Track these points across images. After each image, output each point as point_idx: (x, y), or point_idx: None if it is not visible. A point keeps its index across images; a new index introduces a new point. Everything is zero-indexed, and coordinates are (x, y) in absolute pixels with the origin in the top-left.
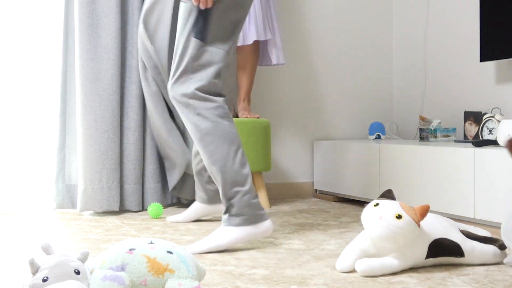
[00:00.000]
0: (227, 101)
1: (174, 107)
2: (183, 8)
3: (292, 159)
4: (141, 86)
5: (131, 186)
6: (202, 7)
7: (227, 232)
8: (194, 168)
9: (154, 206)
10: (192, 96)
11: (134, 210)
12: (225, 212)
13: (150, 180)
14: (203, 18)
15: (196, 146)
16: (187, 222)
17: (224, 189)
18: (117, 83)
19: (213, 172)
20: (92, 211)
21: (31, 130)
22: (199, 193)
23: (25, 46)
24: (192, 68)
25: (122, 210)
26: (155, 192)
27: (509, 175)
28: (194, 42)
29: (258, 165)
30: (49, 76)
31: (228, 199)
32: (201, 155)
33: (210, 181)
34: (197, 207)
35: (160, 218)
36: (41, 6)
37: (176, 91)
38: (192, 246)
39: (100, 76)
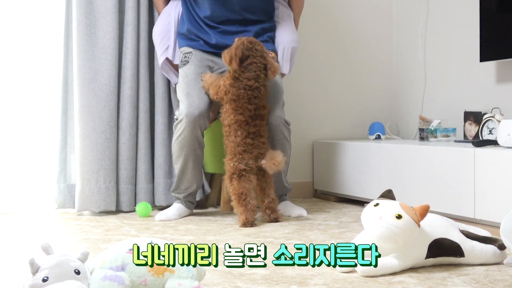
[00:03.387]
0: None
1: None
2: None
3: (292, 159)
4: (134, 86)
5: (122, 186)
6: None
7: None
8: None
9: (142, 205)
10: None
11: (125, 210)
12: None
13: (142, 180)
14: None
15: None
16: (175, 219)
17: (285, 179)
18: (115, 83)
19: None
20: (89, 211)
21: (33, 130)
22: (193, 201)
23: (26, 47)
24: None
25: (116, 210)
26: (148, 193)
27: (509, 175)
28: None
29: None
30: (50, 76)
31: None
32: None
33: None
34: (184, 209)
35: (149, 216)
36: (42, 7)
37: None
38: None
39: (97, 76)
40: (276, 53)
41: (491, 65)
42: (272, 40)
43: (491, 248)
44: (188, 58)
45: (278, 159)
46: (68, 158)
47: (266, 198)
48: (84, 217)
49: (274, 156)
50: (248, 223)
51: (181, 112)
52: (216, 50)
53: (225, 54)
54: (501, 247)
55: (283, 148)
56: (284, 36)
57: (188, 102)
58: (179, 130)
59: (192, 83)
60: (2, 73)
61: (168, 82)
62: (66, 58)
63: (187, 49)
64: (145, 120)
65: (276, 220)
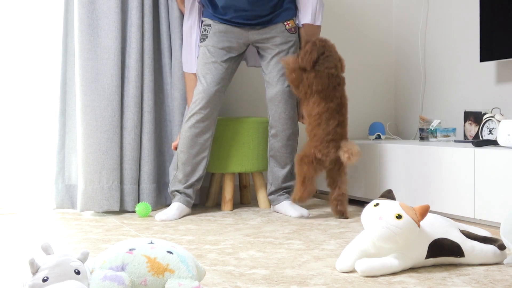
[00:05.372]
0: None
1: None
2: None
3: None
4: (139, 86)
5: (127, 186)
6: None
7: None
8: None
9: (142, 205)
10: None
11: (130, 210)
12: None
13: (146, 180)
14: None
15: (283, 138)
16: (175, 219)
17: (291, 170)
18: (117, 83)
19: (291, 158)
20: (92, 211)
21: (31, 131)
22: (192, 196)
23: (24, 47)
24: None
25: (120, 210)
26: (151, 193)
27: (509, 175)
28: None
29: (259, 165)
30: (48, 76)
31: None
32: (284, 145)
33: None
34: (183, 208)
35: (149, 216)
36: (40, 6)
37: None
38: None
39: (100, 76)
40: (295, 22)
41: (491, 65)
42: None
43: (491, 248)
44: (207, 32)
45: (354, 150)
46: (67, 158)
47: (336, 191)
48: (84, 217)
49: (349, 147)
50: (301, 199)
51: (199, 90)
52: (229, 23)
53: (302, 55)
54: (501, 247)
55: (290, 126)
56: None
57: (205, 80)
58: (194, 108)
59: (209, 62)
60: (1, 74)
61: (172, 83)
62: (65, 58)
63: (207, 21)
64: (149, 120)
65: (342, 213)
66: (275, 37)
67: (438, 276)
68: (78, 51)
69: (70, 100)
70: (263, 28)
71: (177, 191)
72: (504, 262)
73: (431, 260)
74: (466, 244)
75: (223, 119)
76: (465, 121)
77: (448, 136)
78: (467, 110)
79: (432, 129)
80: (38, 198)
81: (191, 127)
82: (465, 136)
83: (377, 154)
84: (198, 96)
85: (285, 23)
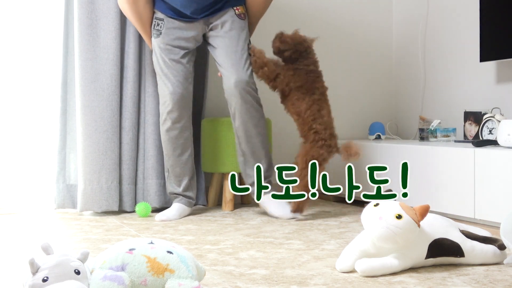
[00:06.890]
0: None
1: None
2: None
3: (292, 158)
4: (137, 86)
5: (125, 186)
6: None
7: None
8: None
9: (142, 205)
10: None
11: (128, 210)
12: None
13: (142, 180)
14: None
15: (250, 129)
16: (175, 219)
17: (268, 163)
18: (117, 83)
19: (264, 146)
20: (92, 211)
21: (32, 130)
22: (192, 196)
23: (26, 47)
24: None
25: (119, 210)
26: (148, 193)
27: (509, 175)
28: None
29: None
30: (49, 76)
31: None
32: (253, 136)
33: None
34: (184, 209)
35: (149, 216)
36: (41, 7)
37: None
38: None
39: (99, 76)
40: (244, 8)
41: (491, 65)
42: None
43: (491, 248)
44: (161, 27)
45: (354, 149)
46: (68, 158)
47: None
48: (84, 217)
49: (350, 146)
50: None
51: (165, 93)
52: (180, 18)
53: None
54: (501, 247)
55: (255, 115)
56: None
57: (169, 81)
58: (165, 110)
59: (168, 60)
60: (1, 74)
61: None
62: (66, 58)
63: (159, 14)
64: (146, 120)
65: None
66: (225, 22)
67: (438, 276)
68: (77, 51)
69: (71, 100)
70: (213, 16)
71: (176, 193)
72: (504, 262)
73: (431, 260)
74: (466, 244)
75: (223, 119)
76: (465, 121)
77: (448, 136)
78: (467, 110)
79: (432, 129)
80: (39, 198)
81: (168, 130)
82: (465, 136)
83: (377, 154)
84: (166, 98)
85: (235, 8)
